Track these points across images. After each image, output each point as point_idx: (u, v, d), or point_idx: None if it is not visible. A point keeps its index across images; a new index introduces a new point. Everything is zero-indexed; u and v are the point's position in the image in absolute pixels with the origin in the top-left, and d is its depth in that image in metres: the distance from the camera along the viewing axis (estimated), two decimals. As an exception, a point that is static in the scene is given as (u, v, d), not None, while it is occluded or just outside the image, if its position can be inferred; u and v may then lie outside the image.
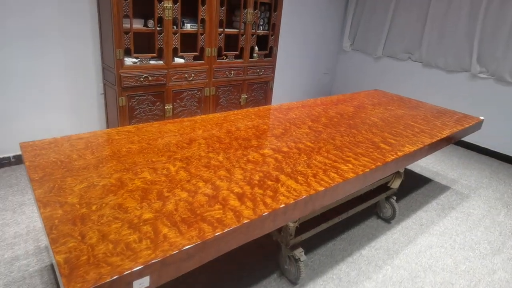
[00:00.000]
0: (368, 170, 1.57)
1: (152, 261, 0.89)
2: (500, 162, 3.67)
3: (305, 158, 1.61)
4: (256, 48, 3.56)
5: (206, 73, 3.14)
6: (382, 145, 1.89)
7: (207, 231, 1.03)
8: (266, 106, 2.43)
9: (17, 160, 2.66)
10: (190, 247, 0.96)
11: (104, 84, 2.86)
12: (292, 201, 1.24)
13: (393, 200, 2.31)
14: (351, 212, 2.03)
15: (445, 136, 2.20)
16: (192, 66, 3.01)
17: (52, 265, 1.68)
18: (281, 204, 1.21)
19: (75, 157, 1.40)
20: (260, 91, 3.79)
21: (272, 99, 4.26)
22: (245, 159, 1.54)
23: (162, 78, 2.82)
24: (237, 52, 3.35)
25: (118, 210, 1.08)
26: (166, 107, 2.95)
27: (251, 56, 3.52)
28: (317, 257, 1.94)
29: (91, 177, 1.25)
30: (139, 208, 1.10)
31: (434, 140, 2.08)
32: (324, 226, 1.85)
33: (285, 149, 1.70)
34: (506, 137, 3.66)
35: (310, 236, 1.78)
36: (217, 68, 3.22)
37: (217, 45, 3.13)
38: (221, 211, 1.14)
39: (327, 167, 1.55)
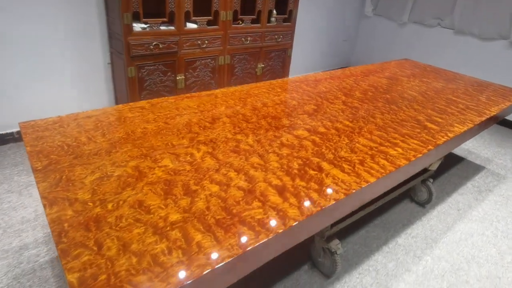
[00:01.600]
0: (420, 155, 1.36)
1: (187, 282, 0.71)
2: (536, 139, 3.42)
3: (347, 141, 1.40)
4: (274, 11, 3.23)
5: (220, 40, 2.86)
6: (429, 124, 1.66)
7: (249, 238, 0.84)
8: (291, 78, 2.18)
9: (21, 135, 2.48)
10: (231, 260, 0.78)
11: (111, 53, 2.60)
12: (342, 196, 1.05)
13: (429, 182, 2.11)
14: (388, 198, 1.84)
15: (494, 114, 1.95)
16: (206, 31, 2.72)
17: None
18: (331, 201, 1.02)
19: (84, 140, 1.20)
20: (277, 59, 3.50)
21: (290, 69, 3.97)
22: (278, 142, 1.33)
23: (174, 46, 2.55)
24: (254, 16, 3.03)
25: (139, 210, 0.89)
26: (178, 78, 2.70)
27: (269, 21, 3.20)
28: (350, 246, 1.78)
29: (104, 165, 1.06)
30: (163, 207, 0.91)
31: (483, 119, 1.83)
32: (361, 214, 1.67)
33: (322, 129, 1.48)
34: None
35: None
36: (233, 34, 2.93)
37: (233, 8, 2.82)
38: (261, 210, 0.95)
39: (373, 151, 1.33)
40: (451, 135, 1.57)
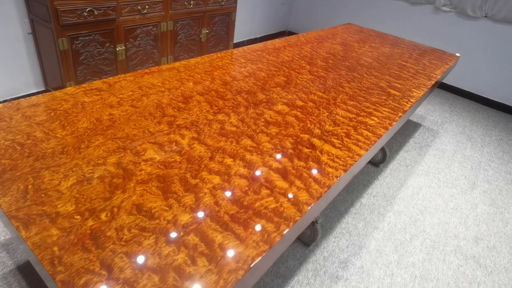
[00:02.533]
0: (395, 122, 1.42)
1: (226, 293, 0.64)
2: (456, 96, 3.88)
3: (327, 114, 1.39)
4: (216, -28, 2.98)
5: (162, 4, 2.56)
6: (392, 91, 1.73)
7: (271, 231, 0.79)
8: (251, 47, 2.07)
9: None
10: (261, 258, 0.72)
11: (32, 21, 2.15)
12: (342, 173, 1.04)
13: (384, 145, 2.27)
14: (354, 163, 1.93)
15: (439, 76, 2.12)
16: (146, -6, 2.40)
17: (25, 264, 1.32)
18: (334, 179, 1.01)
19: (41, 135, 0.98)
20: (221, 24, 3.30)
21: (234, 34, 3.78)
22: (262, 120, 1.26)
23: (111, 12, 2.21)
24: (197, -23, 2.76)
25: (140, 216, 0.77)
26: (118, 49, 2.38)
27: (213, -17, 2.95)
28: (322, 212, 1.85)
29: (78, 166, 0.89)
30: (167, 208, 0.80)
31: (433, 82, 1.99)
32: (334, 182, 1.73)
33: (300, 102, 1.45)
34: (460, 72, 3.82)
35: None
36: (175, -3, 2.64)
37: (174, -34, 2.52)
38: (271, 198, 0.89)
39: (354, 123, 1.35)
40: (413, 100, 1.67)
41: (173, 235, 0.74)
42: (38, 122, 1.04)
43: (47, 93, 1.20)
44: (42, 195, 0.78)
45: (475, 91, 3.84)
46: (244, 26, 4.32)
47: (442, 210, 2.03)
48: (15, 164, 0.86)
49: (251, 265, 0.70)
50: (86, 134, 1.02)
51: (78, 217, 0.74)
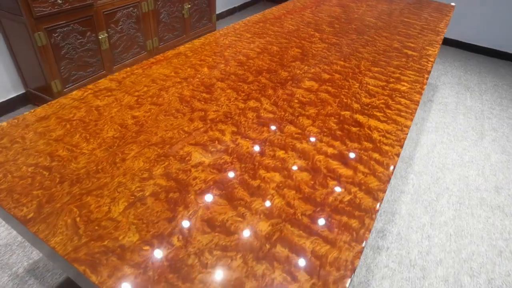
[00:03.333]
0: (425, 85, 1.36)
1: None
2: (443, 46, 3.86)
3: (357, 85, 1.30)
4: None
5: (140, -19, 2.32)
6: (408, 52, 1.66)
7: (357, 228, 0.72)
8: (250, 19, 1.90)
9: None
10: (357, 260, 0.66)
11: (-3, 15, 1.88)
12: (400, 150, 0.98)
13: (393, 106, 2.23)
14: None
15: (445, 30, 2.05)
16: (122, -29, 2.15)
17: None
18: (395, 158, 0.94)
19: (65, 154, 0.84)
20: (202, -2, 3.06)
21: (216, 7, 3.54)
22: (296, 101, 1.16)
23: (86, -5, 1.96)
24: None
25: (216, 233, 0.68)
26: (100, 37, 2.16)
27: (189, -50, 2.68)
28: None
29: (122, 184, 0.77)
30: (241, 219, 0.71)
31: (442, 37, 1.92)
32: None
33: (325, 75, 1.35)
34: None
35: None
36: (152, -29, 2.39)
37: None
38: (342, 189, 0.82)
39: (387, 91, 1.28)
40: (432, 59, 1.61)
41: (260, 249, 0.66)
42: (56, 139, 0.90)
43: (53, 102, 1.05)
44: (96, 227, 0.67)
45: (463, 39, 3.83)
46: (222, -5, 4.05)
47: (459, 164, 2.05)
48: (50, 194, 0.74)
49: (354, 270, 0.64)
50: (116, 144, 0.89)
51: (147, 247, 0.65)
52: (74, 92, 1.11)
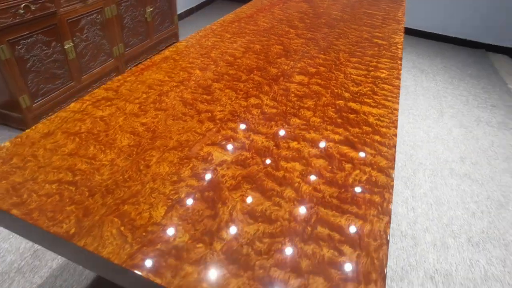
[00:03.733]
0: (400, 71, 1.49)
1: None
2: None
3: (342, 75, 1.40)
4: None
5: (101, -14, 2.24)
6: (378, 41, 1.79)
7: (379, 202, 0.81)
8: (225, 19, 1.93)
9: None
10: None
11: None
12: (395, 130, 1.08)
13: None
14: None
15: (403, 18, 2.24)
16: (83, -23, 2.07)
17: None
18: (393, 138, 1.04)
19: (86, 167, 0.83)
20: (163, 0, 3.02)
21: (177, 7, 3.50)
22: (292, 95, 1.23)
23: (49, 4, 1.87)
24: None
25: (259, 223, 0.72)
26: (66, 47, 2.06)
27: (148, -48, 2.63)
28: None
29: (155, 189, 0.78)
30: (278, 208, 0.76)
31: (403, 25, 2.09)
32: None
33: (312, 69, 1.43)
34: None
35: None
36: (113, -25, 2.32)
37: None
38: (358, 171, 0.90)
39: (370, 78, 1.38)
40: (400, 46, 1.75)
41: (303, 232, 0.71)
42: (70, 153, 0.88)
43: (52, 116, 1.01)
44: (143, 233, 0.69)
45: (412, 26, 4.15)
46: (180, -3, 4.01)
47: (427, 141, 2.26)
48: (85, 207, 0.73)
49: (388, 238, 0.72)
50: (135, 152, 0.89)
51: (200, 244, 0.67)
52: (72, 105, 1.07)
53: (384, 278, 0.65)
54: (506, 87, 3.17)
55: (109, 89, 1.17)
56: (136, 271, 0.62)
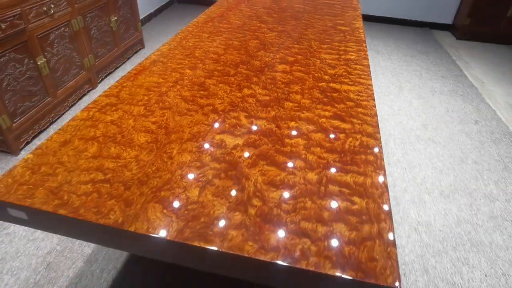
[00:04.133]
0: (366, 53, 1.67)
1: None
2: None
3: (319, 61, 1.55)
4: None
5: (66, -1, 2.23)
6: (342, 27, 1.97)
7: (373, 160, 0.96)
8: (199, 20, 2.01)
9: None
10: (385, 179, 0.89)
11: None
12: (373, 103, 1.25)
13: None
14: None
15: (358, 5, 2.44)
16: (48, -9, 2.06)
17: None
18: (373, 109, 1.21)
19: (113, 165, 0.90)
20: (125, 6, 3.04)
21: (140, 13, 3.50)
22: (279, 82, 1.36)
23: (18, 21, 1.85)
24: (89, -42, 2.43)
25: (281, 189, 0.85)
26: (39, 63, 2.05)
27: (106, -39, 2.63)
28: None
29: (184, 176, 0.88)
30: (293, 176, 0.89)
31: (360, 12, 2.29)
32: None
33: (290, 58, 1.57)
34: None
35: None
36: (76, -13, 2.31)
37: (63, -49, 2.17)
38: (351, 138, 1.05)
39: (342, 61, 1.55)
40: (361, 31, 1.94)
41: (318, 191, 0.85)
42: (94, 156, 0.94)
43: (64, 126, 1.06)
44: (185, 212, 0.78)
45: (364, 12, 4.44)
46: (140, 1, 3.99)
47: (392, 114, 2.49)
48: (125, 199, 0.81)
49: (386, 186, 0.87)
50: (155, 147, 0.98)
51: (237, 213, 0.78)
52: (79, 114, 1.13)
53: (390, 216, 0.80)
54: (451, 58, 3.53)
55: (110, 96, 1.23)
56: (188, 243, 0.72)
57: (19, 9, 1.85)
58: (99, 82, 2.76)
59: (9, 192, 0.84)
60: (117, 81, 1.33)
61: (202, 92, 1.27)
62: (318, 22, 2.06)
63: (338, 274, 0.67)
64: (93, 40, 2.59)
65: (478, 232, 1.64)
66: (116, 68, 3.01)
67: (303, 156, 0.97)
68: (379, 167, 0.94)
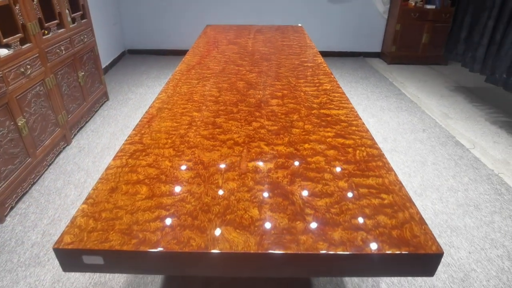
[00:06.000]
0: (337, 82, 1.96)
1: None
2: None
3: (302, 93, 1.79)
4: (67, 11, 2.73)
5: (39, 59, 2.26)
6: (308, 64, 2.28)
7: (381, 157, 1.18)
8: (181, 68, 2.16)
9: None
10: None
11: None
12: (362, 121, 1.50)
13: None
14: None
15: (312, 43, 2.82)
16: (24, 54, 2.07)
17: None
18: (364, 126, 1.45)
19: (165, 188, 0.99)
20: (90, 61, 3.11)
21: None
22: (279, 114, 1.55)
23: (0, 85, 1.84)
24: (57, 21, 2.49)
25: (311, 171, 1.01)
26: (19, 124, 2.02)
27: (73, 22, 2.70)
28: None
29: (286, 155, 1.00)
30: (319, 150, 1.06)
31: (316, 50, 2.65)
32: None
33: (278, 93, 1.79)
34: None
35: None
36: (47, 48, 2.35)
37: (36, 16, 2.22)
38: (359, 150, 1.26)
39: (322, 92, 1.81)
40: (325, 65, 2.27)
41: (355, 194, 1.03)
42: (148, 196, 1.02)
43: (103, 175, 1.12)
44: (255, 228, 0.90)
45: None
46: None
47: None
48: (197, 227, 0.90)
49: (401, 183, 1.09)
50: (201, 181, 1.08)
51: (298, 221, 0.92)
52: (112, 162, 1.19)
53: (414, 204, 1.00)
54: (388, 81, 4.11)
55: (135, 143, 1.31)
56: (270, 251, 0.84)
57: (0, 73, 1.83)
58: (72, 138, 2.71)
59: (82, 240, 0.88)
60: (134, 129, 1.41)
61: (217, 130, 1.41)
62: (286, 61, 2.35)
63: (397, 252, 0.84)
64: (65, 96, 2.58)
65: (453, 219, 1.93)
66: (86, 122, 2.98)
67: (328, 169, 1.15)
68: (389, 169, 1.16)
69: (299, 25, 3.56)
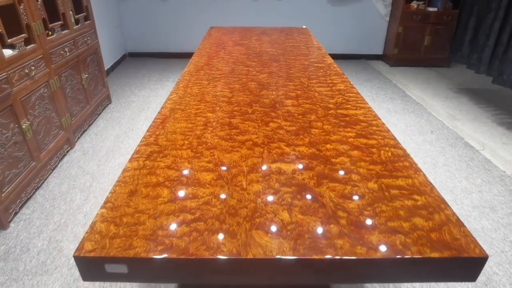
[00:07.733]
0: (350, 82, 1.93)
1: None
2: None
3: (317, 94, 1.75)
4: (71, 12, 2.68)
5: (44, 60, 2.21)
6: (319, 65, 2.25)
7: (406, 157, 1.14)
8: (189, 69, 2.12)
9: None
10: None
11: None
12: (381, 121, 1.46)
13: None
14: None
15: (319, 44, 2.79)
16: (28, 55, 2.02)
17: None
18: (384, 126, 1.42)
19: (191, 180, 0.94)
20: (93, 64, 3.06)
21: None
22: (295, 114, 1.51)
23: (5, 86, 1.79)
24: (61, 22, 2.44)
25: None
26: (23, 126, 1.96)
27: (76, 23, 2.65)
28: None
29: (303, 154, 0.95)
30: (344, 147, 1.02)
31: (324, 50, 2.63)
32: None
33: (292, 94, 1.75)
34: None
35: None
36: (51, 49, 2.30)
37: (40, 16, 2.17)
38: (383, 150, 1.22)
39: (336, 92, 1.77)
40: (335, 65, 2.23)
41: (387, 196, 0.98)
42: (170, 200, 0.97)
43: (120, 179, 1.07)
44: (288, 232, 0.86)
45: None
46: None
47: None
48: (226, 232, 0.86)
49: (431, 183, 1.05)
50: (225, 182, 1.04)
51: (332, 225, 0.88)
52: (128, 164, 1.14)
53: (447, 204, 0.96)
54: (392, 83, 4.09)
55: (150, 144, 1.26)
56: (302, 257, 0.79)
57: (4, 74, 1.78)
58: (76, 141, 2.65)
59: (104, 247, 0.83)
60: (147, 131, 1.36)
61: (234, 131, 1.36)
62: (295, 62, 2.31)
63: (439, 256, 0.80)
64: (69, 98, 2.52)
65: (469, 221, 1.90)
66: (90, 125, 2.92)
67: (355, 170, 1.11)
68: (417, 170, 1.12)
69: (304, 27, 3.53)
